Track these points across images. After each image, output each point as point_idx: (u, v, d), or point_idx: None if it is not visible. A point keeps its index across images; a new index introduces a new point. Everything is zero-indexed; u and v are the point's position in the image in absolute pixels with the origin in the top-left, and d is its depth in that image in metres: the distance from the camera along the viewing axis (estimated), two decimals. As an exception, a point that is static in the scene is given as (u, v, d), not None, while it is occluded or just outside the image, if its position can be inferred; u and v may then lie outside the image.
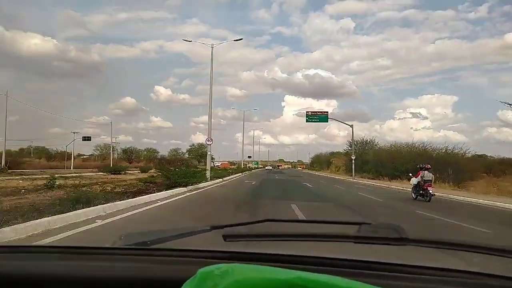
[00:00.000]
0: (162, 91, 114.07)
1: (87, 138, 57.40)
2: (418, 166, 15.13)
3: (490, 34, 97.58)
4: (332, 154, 74.68)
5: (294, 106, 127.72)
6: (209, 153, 23.22)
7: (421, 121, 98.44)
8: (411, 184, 14.81)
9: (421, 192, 13.96)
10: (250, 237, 0.99)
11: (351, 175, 34.67)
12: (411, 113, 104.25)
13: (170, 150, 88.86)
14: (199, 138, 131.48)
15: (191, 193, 13.08)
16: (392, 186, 22.91)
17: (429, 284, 0.71)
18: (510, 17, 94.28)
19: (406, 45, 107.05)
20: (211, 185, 18.46)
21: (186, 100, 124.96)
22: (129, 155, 65.17)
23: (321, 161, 78.12)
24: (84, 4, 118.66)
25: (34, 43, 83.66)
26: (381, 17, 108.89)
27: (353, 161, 33.97)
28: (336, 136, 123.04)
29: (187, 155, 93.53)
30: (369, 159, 37.19)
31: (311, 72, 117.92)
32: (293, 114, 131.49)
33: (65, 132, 54.24)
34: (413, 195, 14.48)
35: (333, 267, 0.76)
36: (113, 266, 0.81)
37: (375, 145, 45.82)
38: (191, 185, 14.43)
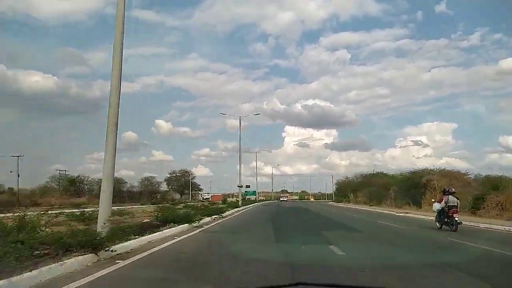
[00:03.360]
0: (163, 125, 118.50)
1: None
2: (442, 190, 13.26)
3: (484, 60, 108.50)
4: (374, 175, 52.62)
5: (294, 136, 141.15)
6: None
7: (422, 149, 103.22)
8: (434, 211, 12.84)
9: (445, 220, 12.07)
10: None
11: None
12: (412, 141, 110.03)
13: (142, 179, 76.01)
14: (201, 171, 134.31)
15: None
16: None
17: None
18: (502, 45, 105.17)
19: (402, 74, 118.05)
20: None
21: (187, 133, 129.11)
22: (78, 187, 57.14)
23: (376, 189, 46.26)
24: (84, 42, 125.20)
25: (35, 80, 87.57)
26: (375, 48, 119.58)
27: None
28: (338, 165, 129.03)
29: (165, 186, 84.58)
30: None
31: (310, 102, 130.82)
32: (294, 145, 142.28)
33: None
34: (437, 224, 13.00)
35: None
36: None
37: None
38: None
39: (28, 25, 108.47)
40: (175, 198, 69.28)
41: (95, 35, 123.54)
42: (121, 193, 57.45)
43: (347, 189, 62.84)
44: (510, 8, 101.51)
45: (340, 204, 54.57)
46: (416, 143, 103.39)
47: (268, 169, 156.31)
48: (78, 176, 60.42)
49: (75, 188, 59.58)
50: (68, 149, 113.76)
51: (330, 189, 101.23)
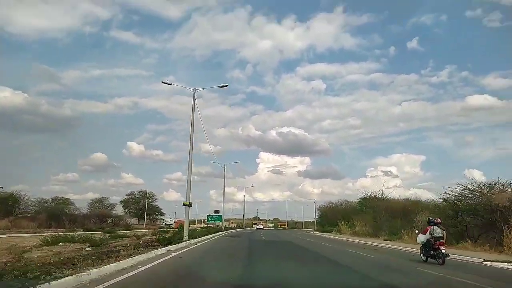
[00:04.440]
0: (135, 147, 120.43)
1: None
2: (427, 220, 12.46)
3: (452, 96, 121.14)
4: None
5: (268, 163, 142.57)
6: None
7: (392, 179, 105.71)
8: (418, 243, 11.94)
9: (431, 252, 11.20)
10: None
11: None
12: (382, 171, 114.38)
13: (92, 200, 70.19)
14: (172, 195, 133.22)
15: None
16: None
17: None
18: (468, 82, 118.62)
19: (374, 106, 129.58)
20: None
21: (159, 156, 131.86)
22: (11, 207, 50.18)
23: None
24: (59, 60, 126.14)
25: (3, 96, 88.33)
26: (349, 80, 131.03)
27: None
28: (311, 193, 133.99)
29: (121, 209, 77.52)
30: None
31: (285, 130, 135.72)
32: (268, 171, 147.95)
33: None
34: (422, 256, 11.88)
35: None
36: None
37: None
38: None
39: (1, 39, 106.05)
40: (131, 224, 63.19)
41: (71, 53, 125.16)
42: (60, 217, 50.94)
43: (336, 216, 52.12)
44: (475, 49, 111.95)
45: (335, 237, 39.86)
46: (386, 173, 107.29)
47: (241, 195, 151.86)
48: (12, 194, 53.54)
49: (5, 208, 52.45)
50: (33, 169, 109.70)
51: (307, 216, 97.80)
